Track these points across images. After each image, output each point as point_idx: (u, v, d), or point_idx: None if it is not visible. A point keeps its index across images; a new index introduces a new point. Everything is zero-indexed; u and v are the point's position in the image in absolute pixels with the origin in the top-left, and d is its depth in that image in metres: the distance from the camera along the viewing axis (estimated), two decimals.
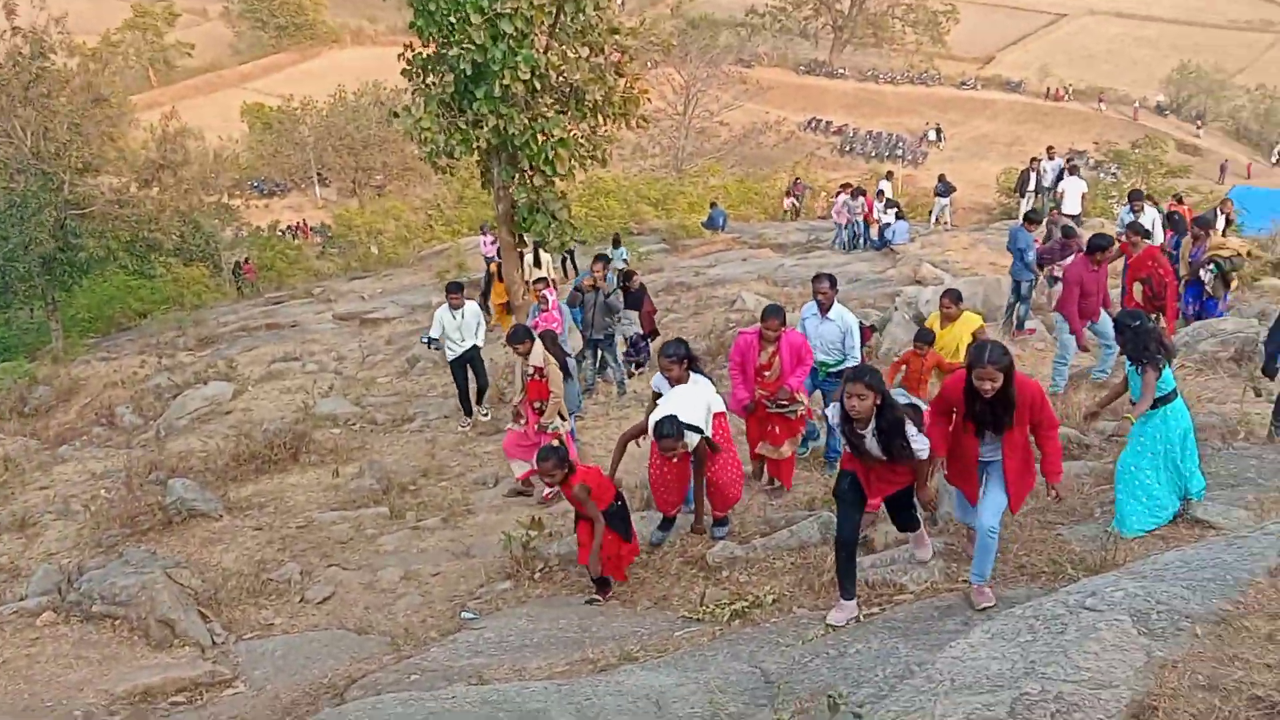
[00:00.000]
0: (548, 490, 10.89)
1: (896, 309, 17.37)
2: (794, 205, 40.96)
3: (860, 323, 11.20)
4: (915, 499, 7.36)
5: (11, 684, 8.44)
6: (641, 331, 16.88)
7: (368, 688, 7.39)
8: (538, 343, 11.81)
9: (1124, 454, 7.84)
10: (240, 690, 8.26)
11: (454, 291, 15.13)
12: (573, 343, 14.86)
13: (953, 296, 11.67)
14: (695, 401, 9.02)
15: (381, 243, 42.70)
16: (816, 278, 10.88)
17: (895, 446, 6.74)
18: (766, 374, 9.98)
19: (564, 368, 12.13)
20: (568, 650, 7.45)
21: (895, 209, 28.53)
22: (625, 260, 26.20)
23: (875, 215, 28.18)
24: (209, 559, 11.05)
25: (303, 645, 8.96)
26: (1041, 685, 4.13)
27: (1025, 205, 27.44)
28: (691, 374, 9.38)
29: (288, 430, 15.08)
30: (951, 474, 7.18)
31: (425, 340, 15.69)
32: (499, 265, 19.50)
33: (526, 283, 17.83)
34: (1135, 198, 18.74)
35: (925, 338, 11.41)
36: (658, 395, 9.45)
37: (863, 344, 11.26)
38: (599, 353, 15.85)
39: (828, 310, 10.64)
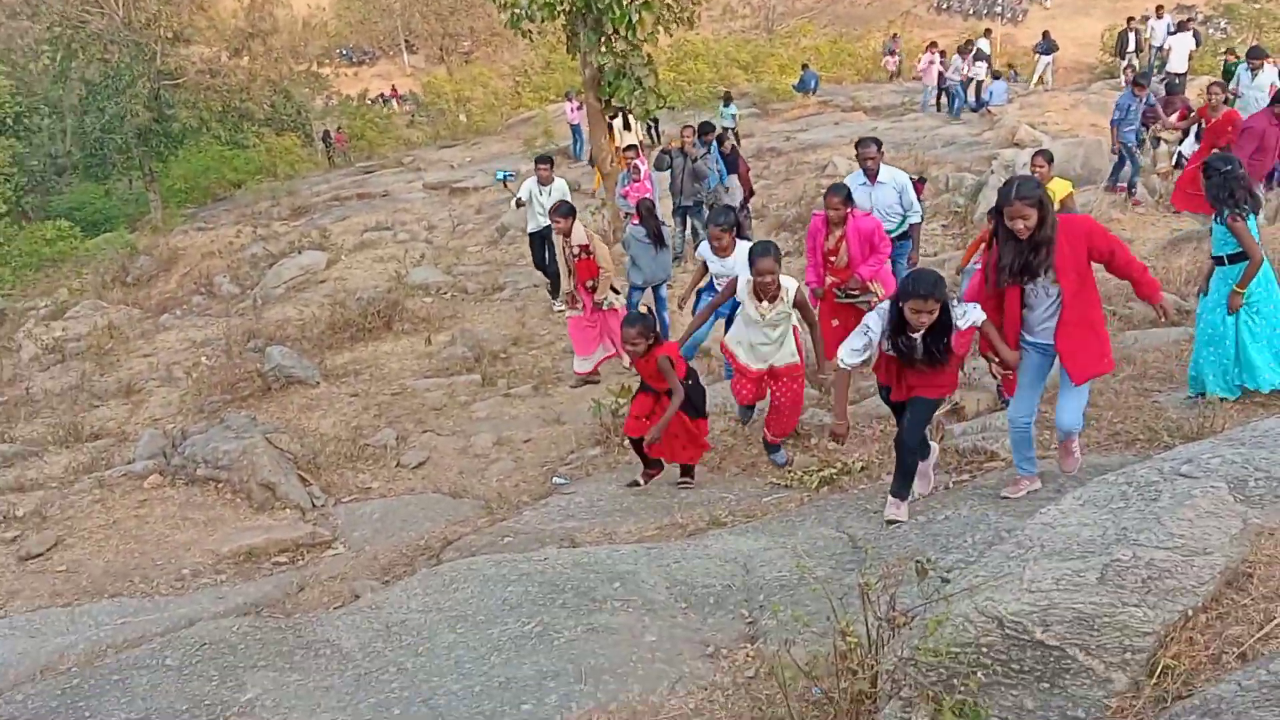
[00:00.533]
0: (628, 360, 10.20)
1: (993, 172, 16.96)
2: (897, 65, 39.84)
3: (910, 177, 10.79)
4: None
5: (123, 543, 8.78)
6: (745, 197, 16.44)
7: (462, 549, 7.57)
8: (579, 222, 11.44)
9: (1241, 316, 7.46)
10: (340, 551, 8.51)
11: (543, 164, 14.55)
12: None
13: (1045, 157, 11.12)
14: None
15: (469, 110, 42.58)
16: (861, 142, 10.35)
17: (939, 348, 6.07)
18: (834, 259, 9.35)
19: (659, 236, 11.94)
20: (657, 515, 7.54)
21: (986, 64, 27.62)
22: (735, 118, 25.85)
23: (967, 73, 27.33)
24: (307, 424, 11.32)
25: (399, 508, 9.18)
26: (1133, 551, 4.08)
27: (1124, 66, 26.38)
28: (739, 242, 9.04)
29: (381, 299, 15.28)
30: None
31: (501, 177, 16.13)
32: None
33: (616, 149, 17.66)
34: (1255, 55, 17.52)
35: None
36: (706, 266, 9.27)
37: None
38: (688, 219, 15.70)
39: (876, 175, 10.14)
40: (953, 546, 5.65)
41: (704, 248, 9.37)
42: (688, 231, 15.85)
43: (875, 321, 6.21)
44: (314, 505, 9.39)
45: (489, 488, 9.45)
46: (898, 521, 6.38)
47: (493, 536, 7.71)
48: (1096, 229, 5.91)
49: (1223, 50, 25.86)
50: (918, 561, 4.32)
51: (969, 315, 6.05)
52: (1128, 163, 15.50)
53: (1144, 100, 13.75)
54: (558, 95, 36.88)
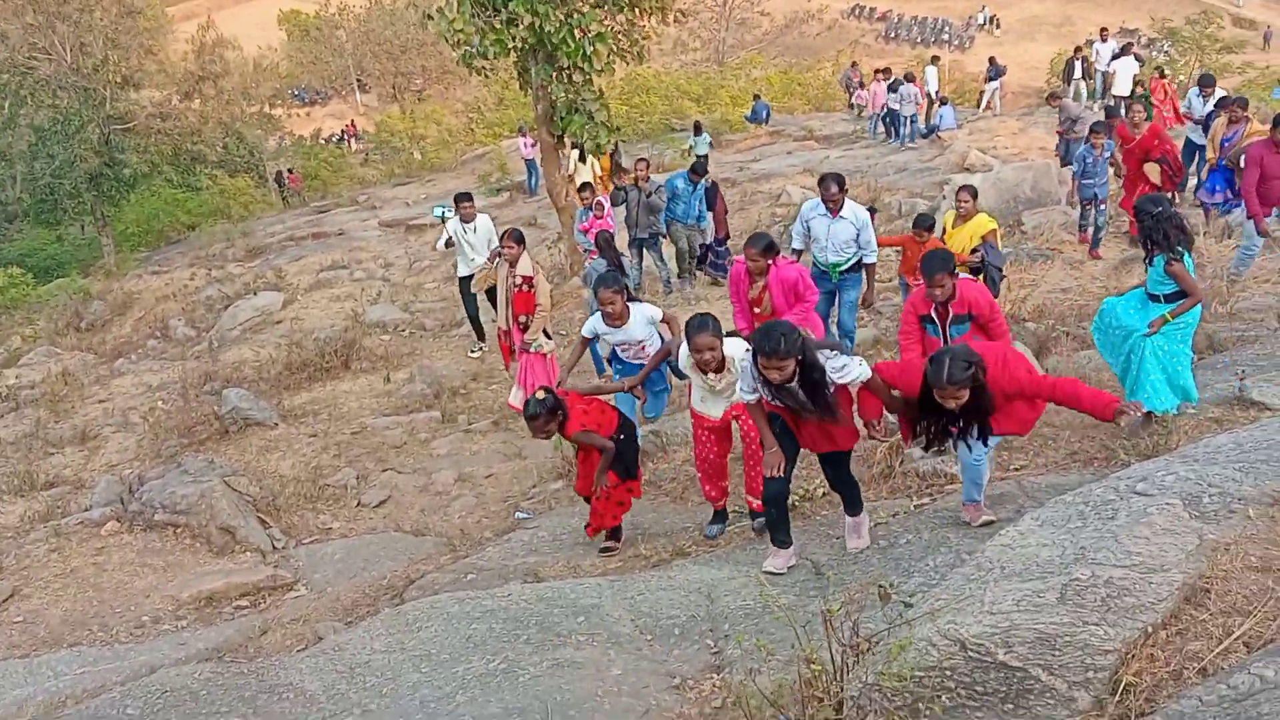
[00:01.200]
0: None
1: (945, 198, 17.13)
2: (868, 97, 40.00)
3: (866, 208, 10.51)
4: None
5: (81, 592, 8.67)
6: (718, 236, 15.98)
7: (425, 588, 7.54)
8: (526, 253, 10.93)
9: (1155, 339, 7.34)
10: (302, 593, 8.45)
11: (465, 201, 13.77)
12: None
13: (970, 192, 10.85)
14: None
15: (424, 148, 42.62)
16: (821, 181, 10.03)
17: (818, 401, 5.71)
18: (758, 309, 8.88)
19: (620, 268, 11.89)
20: (621, 547, 7.53)
21: (918, 93, 27.92)
22: (711, 145, 25.89)
23: (922, 100, 27.66)
24: (266, 466, 11.24)
25: (361, 548, 9.13)
26: (1092, 570, 4.12)
27: (1071, 92, 26.65)
28: (631, 306, 8.49)
29: (338, 338, 15.22)
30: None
31: (439, 214, 15.44)
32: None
33: (571, 181, 17.73)
34: (1205, 83, 17.26)
35: (924, 223, 10.94)
36: (589, 339, 8.87)
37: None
38: (643, 252, 15.74)
39: (839, 209, 9.90)
40: (914, 570, 5.68)
41: (595, 320, 8.56)
42: (644, 264, 15.89)
43: (748, 370, 5.93)
44: (275, 547, 9.31)
45: (451, 524, 9.42)
46: (858, 549, 6.39)
47: (456, 574, 7.69)
48: (1010, 362, 5.77)
49: (1166, 73, 26.21)
50: (880, 586, 4.35)
51: (848, 370, 5.70)
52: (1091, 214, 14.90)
53: (1103, 150, 13.57)
54: (511, 131, 36.99)
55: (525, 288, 10.79)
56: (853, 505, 6.44)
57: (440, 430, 11.92)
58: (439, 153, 40.87)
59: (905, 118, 27.41)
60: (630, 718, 4.89)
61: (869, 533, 6.53)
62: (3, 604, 8.54)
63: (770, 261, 8.66)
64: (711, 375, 6.86)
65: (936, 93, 29.41)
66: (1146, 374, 7.33)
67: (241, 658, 6.78)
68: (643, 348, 8.58)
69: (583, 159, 18.80)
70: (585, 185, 15.76)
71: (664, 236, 15.08)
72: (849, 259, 10.10)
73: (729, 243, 15.96)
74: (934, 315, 7.46)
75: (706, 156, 23.32)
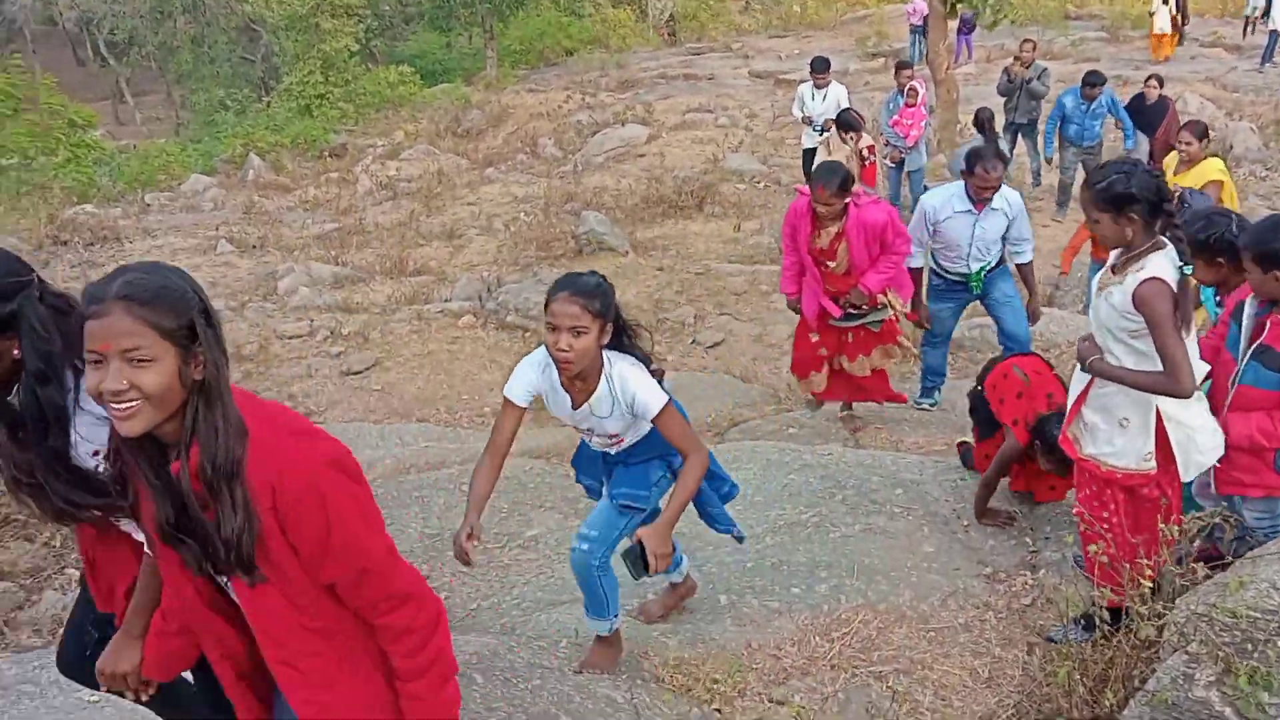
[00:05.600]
0: None
1: None
2: None
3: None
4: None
5: (434, 374, 9.36)
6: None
7: (747, 432, 7.71)
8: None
9: None
10: None
11: (819, 70, 12.82)
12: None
13: (1195, 131, 8.66)
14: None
15: (805, 3, 41.94)
16: (973, 156, 6.90)
17: None
18: (830, 264, 6.72)
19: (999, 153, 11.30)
20: (947, 432, 7.43)
21: None
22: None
23: None
24: None
25: (690, 384, 9.37)
26: None
27: None
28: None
29: (696, 179, 15.46)
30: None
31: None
32: None
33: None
34: None
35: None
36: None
37: None
38: (1017, 137, 15.07)
39: (987, 202, 6.87)
40: None
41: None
42: (1015, 150, 15.23)
43: None
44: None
45: (779, 377, 9.52)
46: None
47: (778, 425, 7.80)
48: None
49: None
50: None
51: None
52: None
53: None
54: None
55: (870, 159, 10.60)
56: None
57: None
58: (819, 10, 40.12)
59: None
60: (936, 594, 4.91)
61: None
62: (366, 371, 9.34)
63: (848, 202, 6.50)
64: None
65: None
66: None
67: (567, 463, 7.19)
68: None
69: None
70: (903, 64, 14.20)
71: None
72: (994, 260, 7.20)
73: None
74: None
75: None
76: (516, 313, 10.09)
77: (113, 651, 2.80)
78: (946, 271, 7.19)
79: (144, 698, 2.83)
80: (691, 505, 4.14)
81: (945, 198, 6.94)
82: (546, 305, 3.68)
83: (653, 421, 3.77)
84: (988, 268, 7.11)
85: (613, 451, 4.16)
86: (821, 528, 5.55)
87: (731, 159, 17.67)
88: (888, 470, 6.21)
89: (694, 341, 10.47)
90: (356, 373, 9.43)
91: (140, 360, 2.03)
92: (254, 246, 14.03)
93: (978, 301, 7.42)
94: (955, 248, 6.99)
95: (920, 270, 7.09)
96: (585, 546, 4.07)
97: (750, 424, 7.97)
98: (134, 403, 2.05)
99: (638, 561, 3.73)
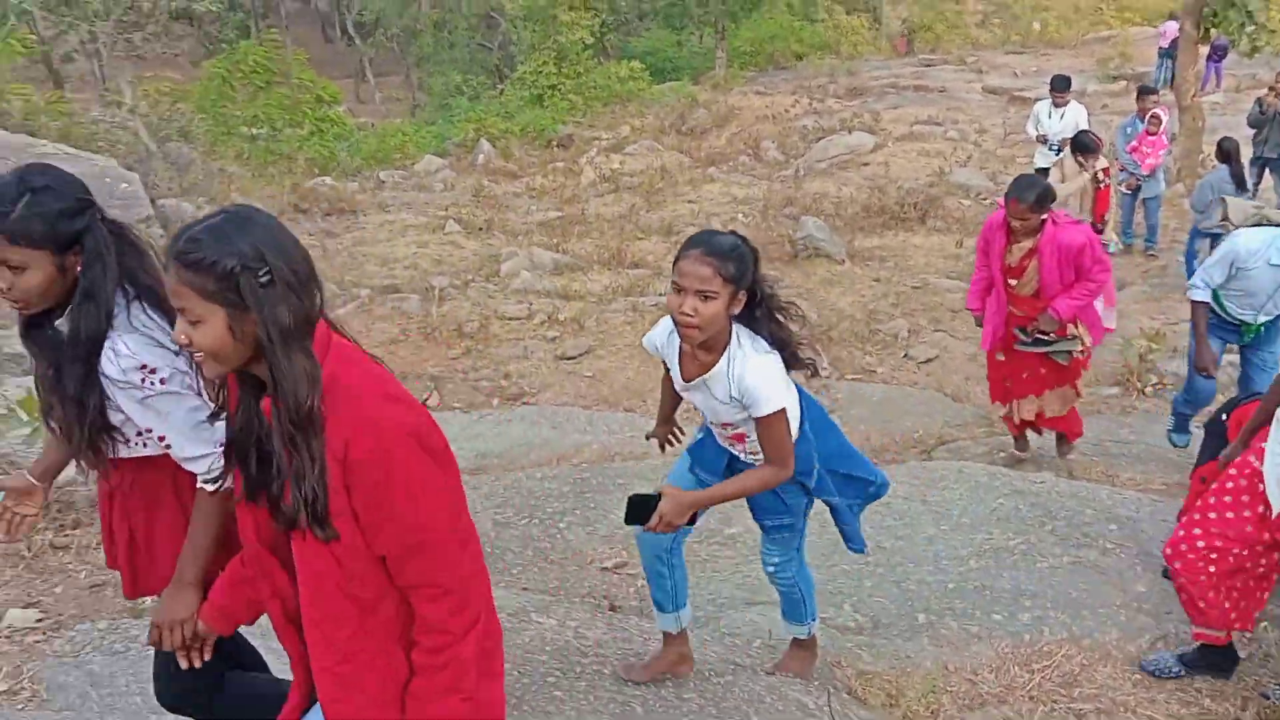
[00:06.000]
0: None
1: None
2: None
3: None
4: None
5: (644, 366, 9.49)
6: None
7: (955, 452, 7.59)
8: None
9: None
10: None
11: (1059, 88, 12.45)
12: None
13: None
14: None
15: (1045, 19, 40.78)
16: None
17: None
18: (1014, 283, 6.42)
19: (1242, 181, 10.71)
20: (1166, 470, 7.15)
21: None
22: None
23: None
24: (826, 297, 11.62)
25: (899, 398, 9.27)
26: None
27: None
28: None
29: (920, 191, 15.26)
30: None
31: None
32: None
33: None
34: None
35: None
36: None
37: None
38: (1263, 172, 14.31)
39: None
40: None
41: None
42: (1261, 185, 14.47)
43: None
44: (820, 374, 9.67)
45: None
46: None
47: (988, 448, 7.66)
48: None
49: None
50: None
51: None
52: None
53: None
54: (1146, 18, 34.52)
55: (1104, 183, 10.21)
56: None
57: None
58: (1060, 28, 38.96)
59: None
60: (1145, 636, 4.76)
61: None
62: (579, 358, 9.54)
63: (1045, 219, 6.15)
64: None
65: None
66: None
67: None
68: None
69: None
70: (1147, 89, 13.74)
71: None
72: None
73: None
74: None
75: None
76: None
77: (167, 599, 2.75)
78: (1225, 312, 6.52)
79: (197, 661, 2.76)
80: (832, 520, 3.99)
81: (1264, 244, 6.04)
82: (675, 263, 3.29)
83: (755, 419, 3.39)
84: (1270, 322, 6.50)
85: (741, 456, 3.73)
86: (1028, 556, 5.43)
87: (958, 173, 17.34)
88: (1102, 504, 6.03)
89: (906, 355, 10.33)
90: (570, 358, 9.65)
91: (191, 319, 2.11)
92: (480, 229, 14.46)
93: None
94: (1251, 296, 6.27)
95: (1204, 306, 6.36)
96: (771, 569, 3.99)
97: (959, 444, 7.84)
98: (199, 353, 2.15)
99: (641, 511, 3.39)
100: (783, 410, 3.37)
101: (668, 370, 3.68)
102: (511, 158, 20.58)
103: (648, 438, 4.23)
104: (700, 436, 3.89)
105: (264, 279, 2.10)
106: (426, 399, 8.74)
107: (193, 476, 2.75)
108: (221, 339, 2.12)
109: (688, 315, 3.21)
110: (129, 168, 11.67)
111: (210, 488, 2.69)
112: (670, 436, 4.14)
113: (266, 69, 23.35)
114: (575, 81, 26.96)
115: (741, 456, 3.70)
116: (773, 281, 3.47)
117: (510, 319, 10.72)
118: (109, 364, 2.61)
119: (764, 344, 3.41)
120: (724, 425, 3.62)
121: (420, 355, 9.92)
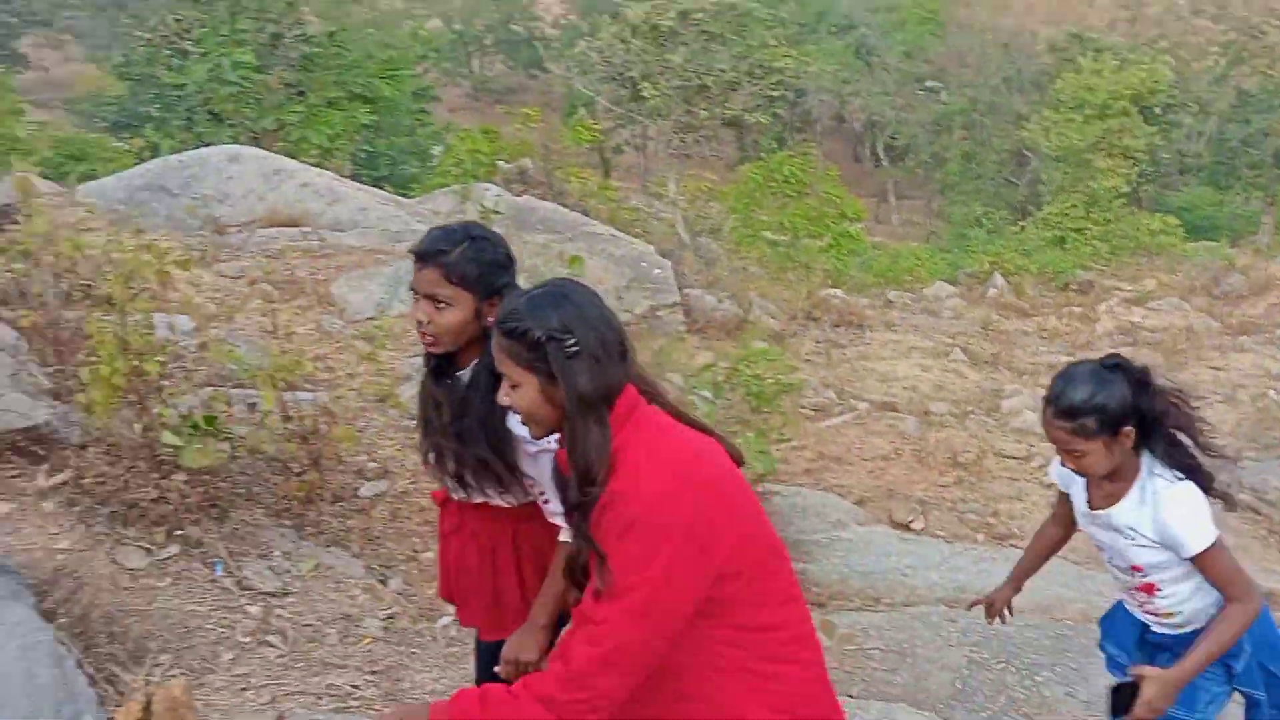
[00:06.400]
0: None
1: None
2: None
3: None
4: None
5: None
6: None
7: None
8: None
9: None
10: None
11: None
12: None
13: None
14: None
15: None
16: None
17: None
18: None
19: None
20: None
21: None
22: None
23: None
24: None
25: None
26: None
27: None
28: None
29: None
30: None
31: None
32: None
33: None
34: None
35: None
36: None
37: None
38: None
39: None
40: None
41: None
42: None
43: None
44: (1234, 505, 8.71)
45: None
46: None
47: None
48: None
49: None
50: None
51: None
52: None
53: None
54: None
55: None
56: None
57: None
58: None
59: None
60: None
61: None
62: None
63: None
64: None
65: None
66: None
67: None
68: None
69: None
70: None
71: None
72: None
73: None
74: None
75: None
76: (1252, 493, 9.41)
77: (518, 637, 2.95)
78: None
79: None
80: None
81: None
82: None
83: (1192, 560, 2.99)
84: None
85: (1153, 627, 3.27)
86: None
87: None
88: None
89: None
90: None
91: (511, 383, 2.32)
92: (985, 361, 14.27)
93: None
94: None
95: None
96: None
97: None
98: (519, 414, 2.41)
99: (1122, 700, 3.07)
100: (1219, 538, 3.01)
101: (1056, 509, 3.49)
102: (1025, 295, 20.20)
103: (974, 604, 3.87)
104: (1110, 608, 3.63)
105: (571, 349, 2.25)
106: (911, 522, 8.68)
107: (531, 533, 3.03)
108: (534, 403, 2.31)
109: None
110: (664, 255, 12.51)
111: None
112: (1006, 610, 3.75)
113: (798, 180, 24.40)
114: (1103, 229, 26.28)
115: (1153, 625, 3.28)
116: (1170, 390, 3.08)
117: (1007, 457, 10.46)
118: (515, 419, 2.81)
119: (1177, 475, 3.06)
120: (1132, 571, 3.20)
121: (910, 476, 9.86)
